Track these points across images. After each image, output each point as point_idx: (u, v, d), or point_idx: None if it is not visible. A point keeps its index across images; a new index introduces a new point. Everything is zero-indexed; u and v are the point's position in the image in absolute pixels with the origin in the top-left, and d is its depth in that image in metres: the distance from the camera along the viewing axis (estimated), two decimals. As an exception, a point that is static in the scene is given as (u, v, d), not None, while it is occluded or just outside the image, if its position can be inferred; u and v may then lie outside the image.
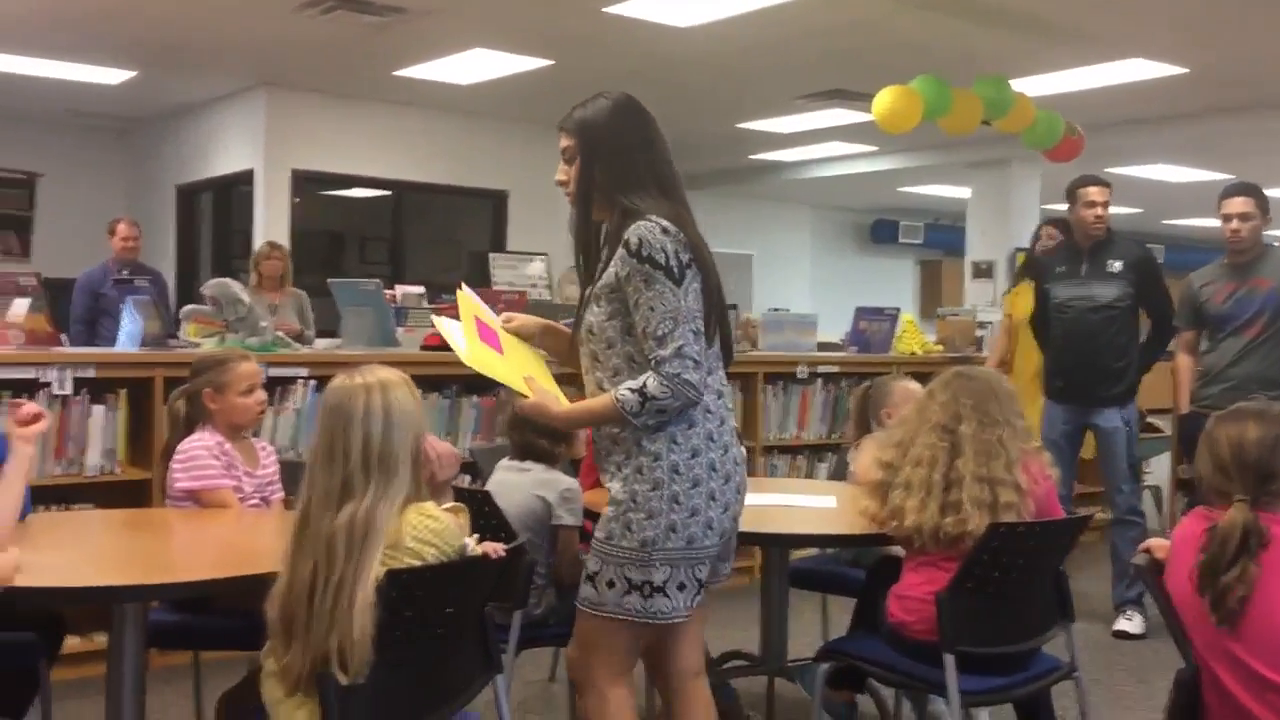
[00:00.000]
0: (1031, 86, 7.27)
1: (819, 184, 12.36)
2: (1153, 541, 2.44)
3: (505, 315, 2.65)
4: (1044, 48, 7.02)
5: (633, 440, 2.35)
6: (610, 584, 2.36)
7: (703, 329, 2.34)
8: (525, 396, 2.44)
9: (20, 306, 4.34)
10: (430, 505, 2.15)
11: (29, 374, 3.85)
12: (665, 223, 2.33)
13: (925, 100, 6.26)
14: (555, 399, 2.46)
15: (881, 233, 15.51)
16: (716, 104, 9.00)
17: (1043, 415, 4.94)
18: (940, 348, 6.45)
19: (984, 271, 10.19)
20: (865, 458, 3.56)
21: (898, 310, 6.24)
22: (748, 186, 12.99)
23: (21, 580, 2.14)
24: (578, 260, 2.52)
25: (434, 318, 2.52)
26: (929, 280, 15.71)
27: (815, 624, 4.64)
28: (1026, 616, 2.77)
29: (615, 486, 2.38)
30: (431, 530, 2.10)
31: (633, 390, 2.30)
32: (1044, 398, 5.01)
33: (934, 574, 2.69)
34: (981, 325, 6.89)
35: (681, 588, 2.37)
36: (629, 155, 2.42)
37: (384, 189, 9.60)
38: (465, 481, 4.08)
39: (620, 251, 2.33)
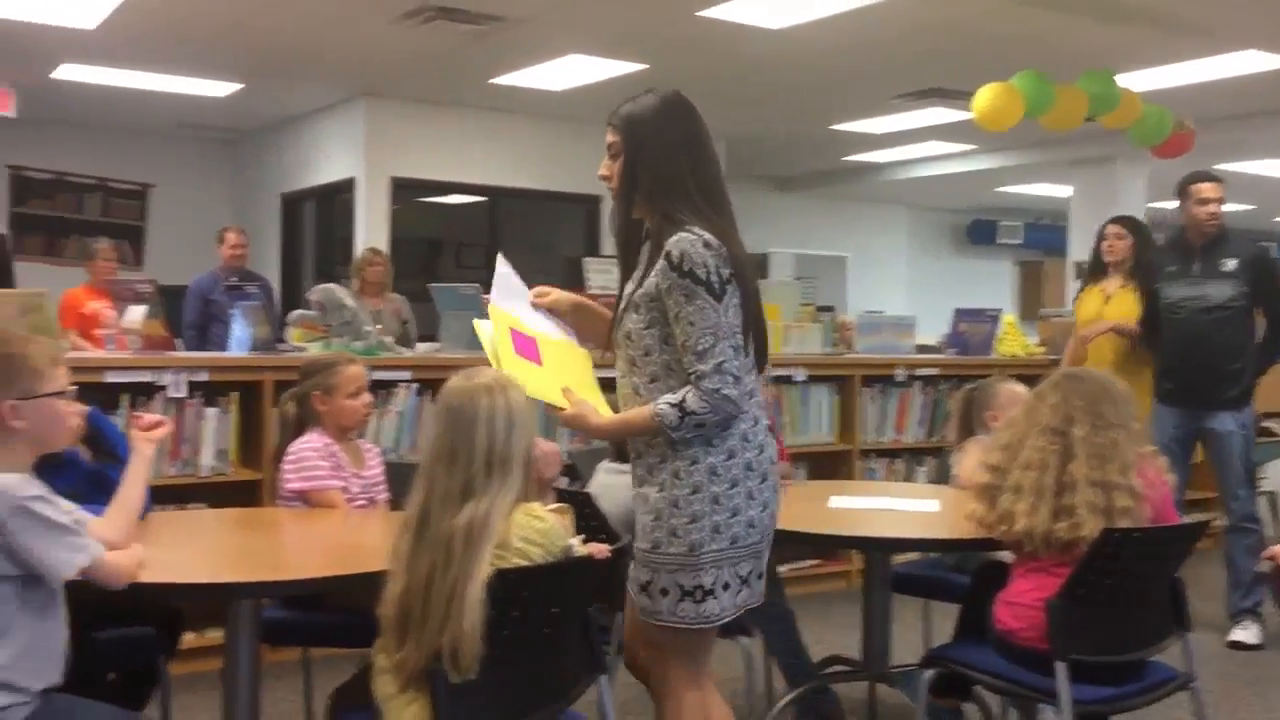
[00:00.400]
0: (1138, 81, 7.08)
1: (915, 184, 12.20)
2: (1277, 549, 2.36)
3: (538, 290, 2.63)
4: (1152, 41, 6.83)
5: (667, 444, 2.36)
6: (664, 591, 2.36)
7: (741, 343, 2.34)
8: (561, 409, 2.43)
9: (137, 312, 4.50)
10: (537, 506, 2.17)
11: (146, 377, 3.99)
12: (707, 236, 2.32)
13: (1027, 97, 6.14)
14: (594, 409, 2.44)
15: (979, 233, 15.23)
16: (811, 106, 8.94)
17: (1151, 419, 4.80)
18: (1043, 350, 6.31)
19: (1087, 272, 9.94)
20: (969, 461, 3.51)
21: (999, 311, 6.12)
22: (842, 188, 12.88)
23: (144, 576, 2.22)
24: (619, 256, 2.53)
25: (476, 322, 2.57)
26: (1028, 281, 15.38)
27: (916, 629, 4.58)
28: (1140, 625, 2.70)
29: (652, 493, 2.37)
30: (538, 531, 2.12)
31: (672, 405, 2.31)
32: (1154, 401, 4.87)
33: (1044, 580, 2.63)
34: (1086, 326, 6.71)
35: (726, 587, 2.38)
36: (673, 155, 2.40)
37: (480, 195, 9.73)
38: (564, 483, 4.11)
39: (661, 264, 2.33)
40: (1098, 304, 5.32)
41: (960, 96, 8.02)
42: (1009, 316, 6.19)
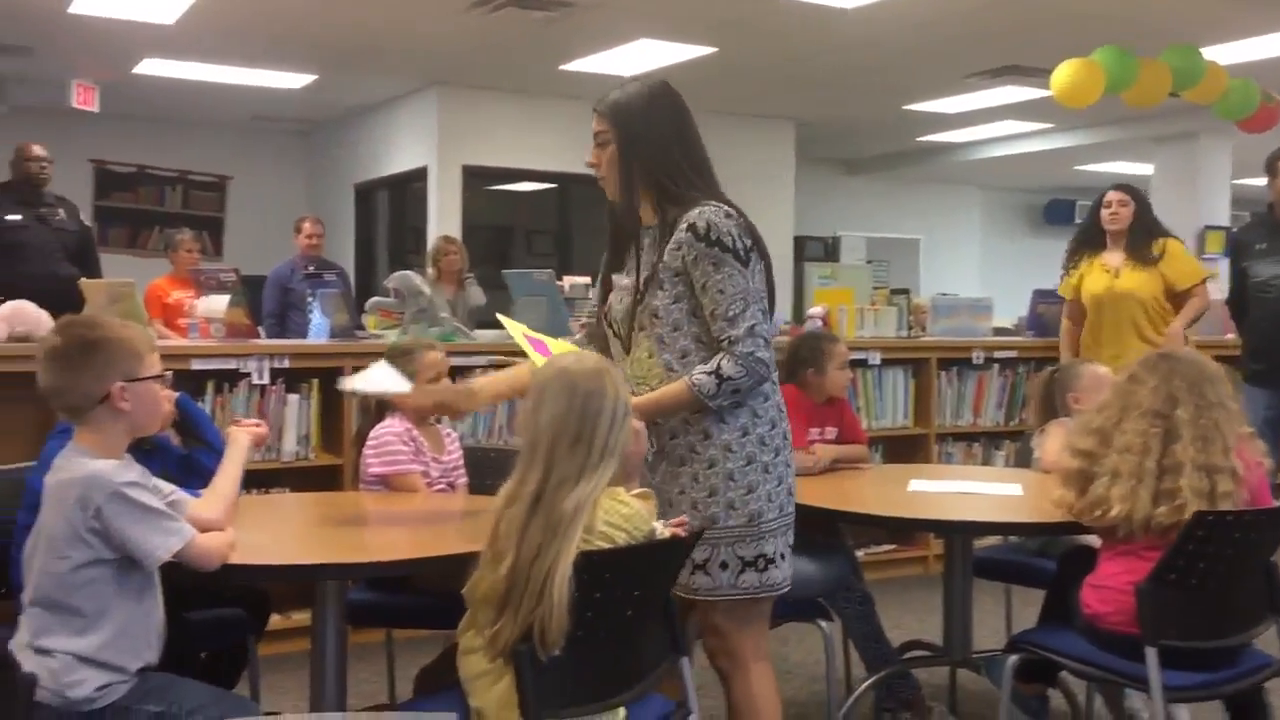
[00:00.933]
0: (1224, 54, 6.88)
1: (989, 164, 12.00)
2: None
3: (466, 388, 2.75)
4: (1237, 12, 6.63)
5: (712, 420, 2.41)
6: (724, 565, 2.43)
7: (768, 308, 2.42)
8: None
9: (220, 301, 4.60)
10: (620, 491, 2.18)
11: (230, 365, 4.07)
12: (727, 207, 2.43)
13: (1108, 72, 6.00)
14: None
15: (1056, 213, 14.93)
16: (882, 86, 8.83)
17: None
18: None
19: (1169, 251, 9.70)
20: (1052, 444, 3.44)
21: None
22: (914, 170, 12.71)
23: (234, 558, 2.27)
24: (612, 245, 2.60)
25: (500, 316, 2.67)
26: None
27: (995, 615, 4.52)
28: (1233, 609, 2.63)
29: (702, 470, 2.43)
30: (622, 515, 2.13)
31: (707, 373, 2.37)
32: (1243, 382, 4.74)
33: (1134, 564, 2.58)
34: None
35: (783, 556, 2.48)
36: (666, 138, 2.47)
37: (550, 182, 9.77)
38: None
39: (685, 236, 2.39)
40: (1104, 279, 5.00)
41: (1037, 74, 7.87)
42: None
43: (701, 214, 2.40)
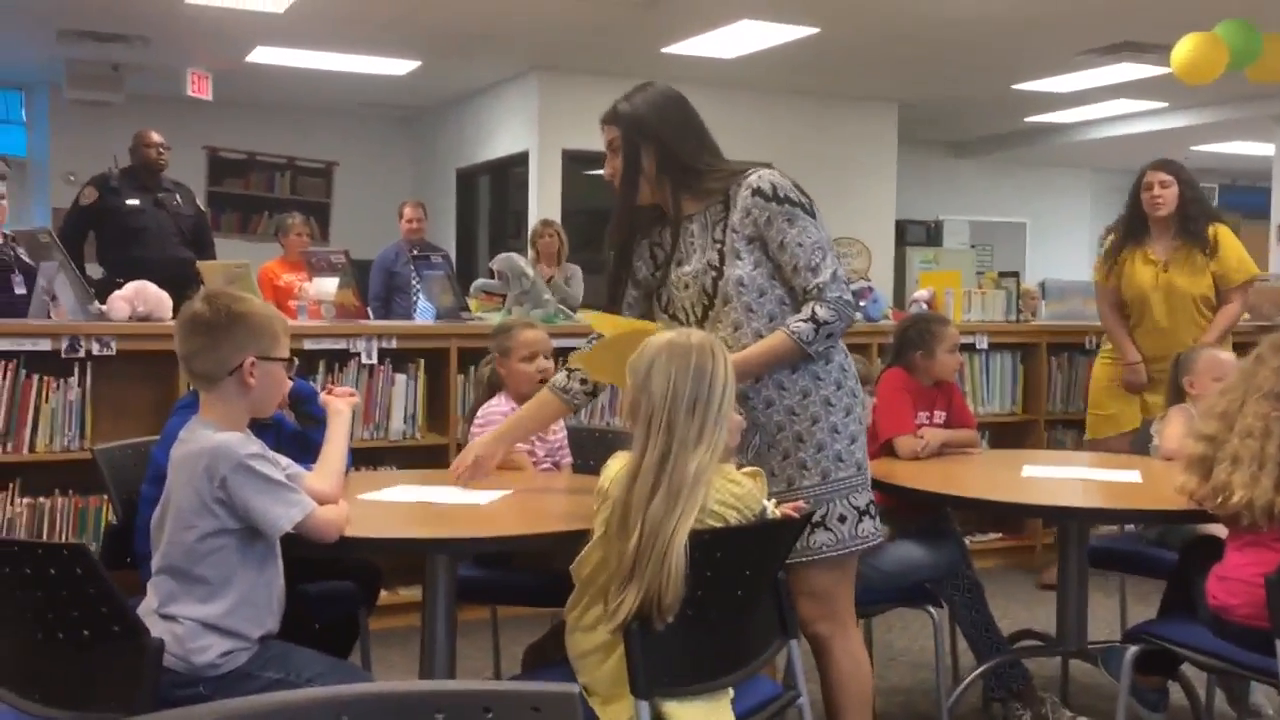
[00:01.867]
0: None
1: (1100, 145, 11.65)
2: None
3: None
4: (1371, -18, 6.31)
5: (809, 378, 2.50)
6: (841, 519, 2.51)
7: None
8: None
9: (330, 284, 4.69)
10: (731, 469, 2.16)
11: (340, 345, 4.15)
12: (776, 170, 2.52)
13: (1231, 47, 5.77)
14: None
15: (1170, 196, 14.44)
16: (989, 65, 8.62)
17: None
18: (1246, 316, 5.93)
19: (1292, 234, 9.33)
20: (1172, 430, 3.34)
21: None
22: (1021, 151, 12.41)
23: (350, 532, 2.31)
24: (613, 247, 2.73)
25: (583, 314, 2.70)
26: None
27: (1103, 605, 4.40)
28: (1370, 605, 2.51)
29: (806, 427, 2.50)
30: (734, 495, 2.13)
31: (803, 321, 2.45)
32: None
33: (1263, 555, 2.47)
34: (1292, 292, 6.29)
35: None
36: (682, 132, 2.56)
37: (649, 166, 9.76)
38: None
39: (752, 200, 2.47)
40: (1149, 272, 4.60)
41: (1153, 50, 7.60)
42: (1208, 281, 5.84)
43: (760, 176, 2.49)
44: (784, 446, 2.51)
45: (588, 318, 2.74)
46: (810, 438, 2.49)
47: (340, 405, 2.56)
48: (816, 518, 2.46)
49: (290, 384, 2.58)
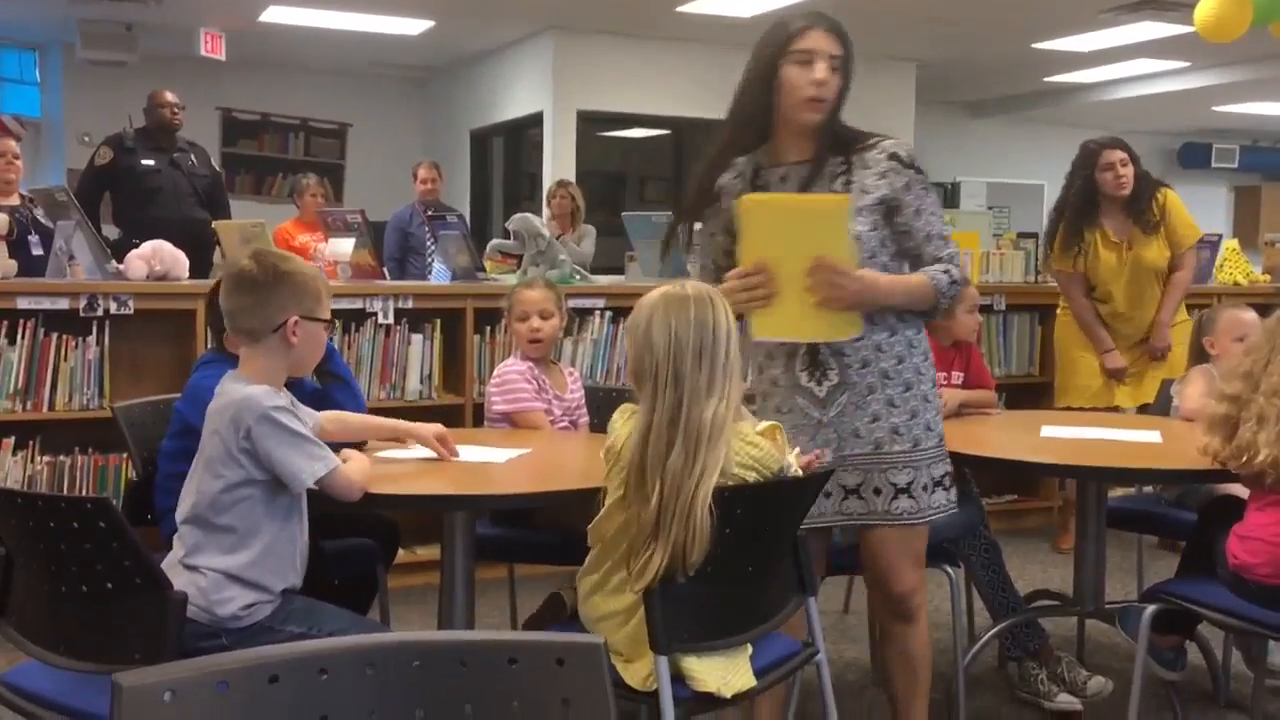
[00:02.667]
0: (1383, -18, 6.43)
1: (1121, 106, 11.51)
2: None
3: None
4: (1401, -63, 6.19)
5: (904, 345, 2.48)
6: (925, 487, 2.50)
7: None
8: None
9: (345, 244, 4.68)
10: (747, 428, 2.15)
11: (357, 304, 4.15)
12: None
13: (1256, 4, 5.66)
14: (858, 273, 2.37)
15: (1191, 157, 14.30)
16: (1011, 23, 8.52)
17: None
18: (1267, 278, 5.89)
19: (1314, 195, 9.22)
20: (1192, 390, 3.32)
21: (1219, 237, 5.74)
22: (1040, 111, 12.28)
23: (370, 488, 2.32)
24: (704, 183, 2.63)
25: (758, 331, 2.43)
26: (1245, 207, 14.39)
27: (1120, 567, 4.40)
28: (1392, 564, 2.50)
29: (898, 393, 2.47)
30: (754, 458, 2.12)
31: (942, 273, 2.45)
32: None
33: (1284, 514, 2.47)
34: (1314, 253, 6.25)
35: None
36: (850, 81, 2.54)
37: (665, 127, 9.70)
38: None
39: (891, 164, 2.45)
40: (1115, 251, 4.52)
41: (1176, 8, 7.50)
42: (1231, 242, 5.80)
43: (896, 143, 2.50)
44: (874, 409, 2.47)
45: (746, 201, 2.42)
46: (904, 404, 2.47)
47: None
48: (903, 483, 2.47)
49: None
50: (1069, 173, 4.64)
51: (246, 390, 2.15)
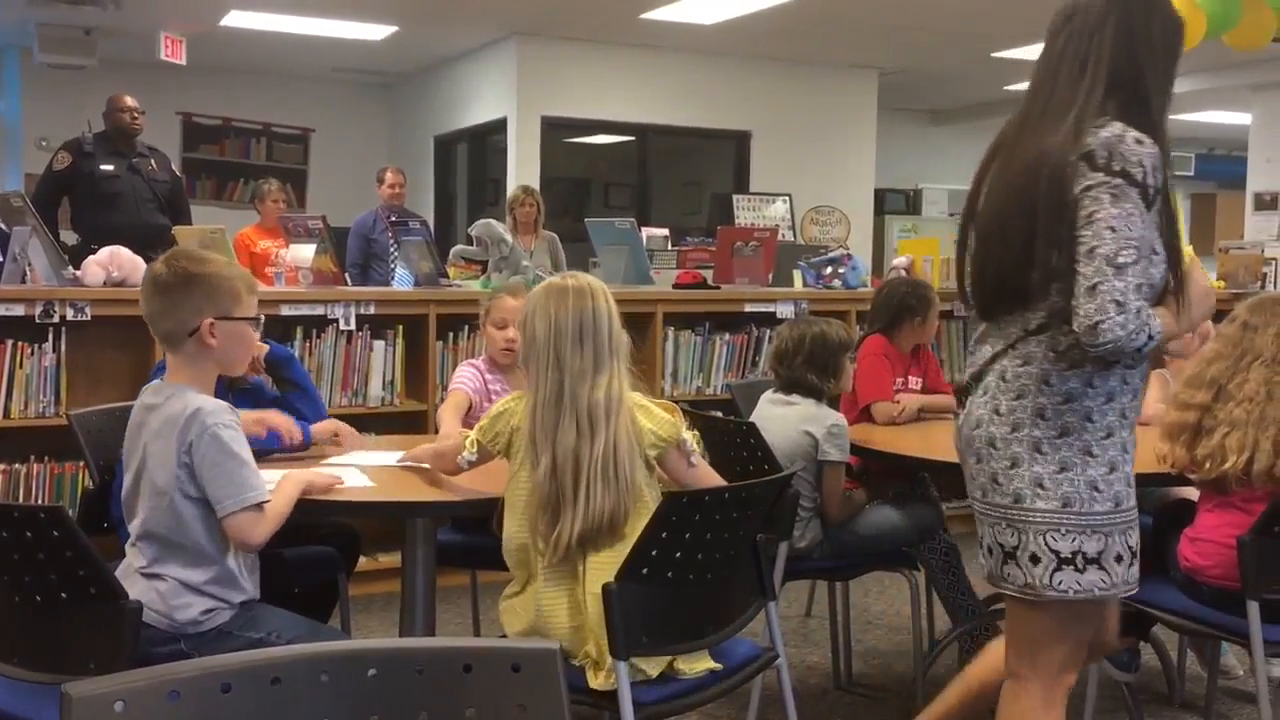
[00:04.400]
0: (1333, -6, 6.55)
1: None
2: None
3: None
4: (1349, -50, 6.32)
5: (1027, 377, 2.07)
6: (1034, 559, 2.05)
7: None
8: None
9: (306, 250, 4.65)
10: (640, 397, 2.26)
11: (319, 310, 4.13)
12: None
13: (1210, 14, 5.76)
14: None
15: (1147, 165, 14.49)
16: (971, 32, 8.60)
17: None
18: (1222, 284, 5.98)
19: (1268, 203, 9.39)
20: (1150, 396, 3.35)
21: (1174, 244, 5.81)
22: (998, 120, 12.13)
23: (332, 495, 2.31)
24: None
25: None
26: (1201, 215, 14.59)
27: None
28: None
29: (1000, 433, 2.06)
30: (656, 435, 2.24)
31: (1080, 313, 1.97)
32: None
33: (1234, 516, 2.51)
34: (1268, 261, 6.35)
35: (1118, 558, 2.14)
36: None
37: (629, 134, 9.72)
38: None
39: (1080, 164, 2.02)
40: None
41: (1132, 18, 7.60)
42: (1187, 249, 5.87)
43: (1103, 140, 2.01)
44: (976, 448, 2.09)
45: None
46: (1004, 446, 2.05)
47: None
48: (1008, 546, 2.05)
49: (263, 344, 2.56)
50: None
51: (197, 402, 2.13)
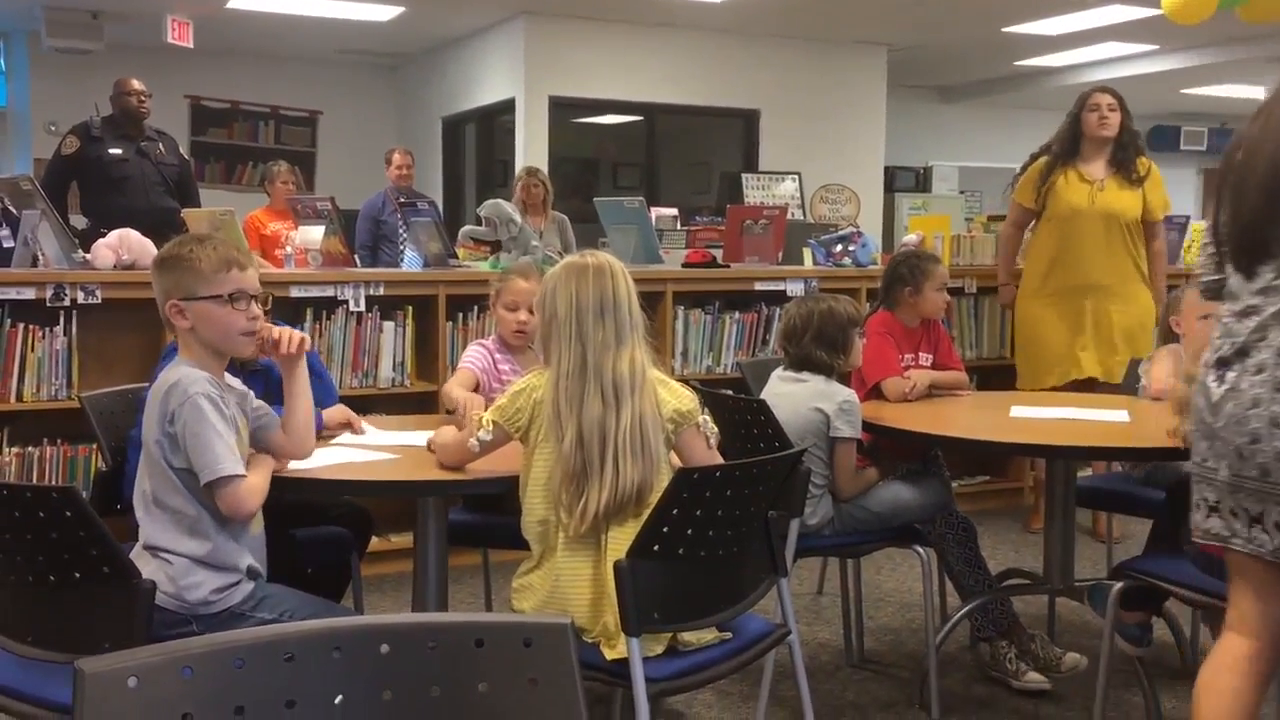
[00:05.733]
0: (1348, -35, 6.48)
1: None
2: None
3: None
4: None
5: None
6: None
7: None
8: None
9: (316, 232, 4.65)
10: (661, 374, 2.29)
11: (328, 292, 4.13)
12: None
13: (1222, -14, 5.71)
14: None
15: (1160, 140, 14.38)
16: (981, 6, 8.54)
17: None
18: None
19: (1281, 177, 9.31)
20: (1159, 370, 3.34)
21: (1187, 219, 5.78)
22: (1010, 96, 12.33)
23: (342, 475, 2.31)
24: None
25: None
26: (1213, 189, 14.50)
27: (1089, 545, 4.45)
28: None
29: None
30: (677, 411, 2.25)
31: None
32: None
33: (1248, 490, 2.49)
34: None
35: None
36: None
37: (637, 113, 9.68)
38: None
39: None
40: (1084, 190, 4.58)
41: (1144, -9, 7.55)
42: (1199, 224, 5.84)
43: None
44: (1253, 428, 2.04)
45: None
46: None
47: (285, 364, 2.36)
48: (1255, 512, 2.04)
49: (270, 326, 2.51)
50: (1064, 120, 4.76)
51: (180, 372, 2.15)
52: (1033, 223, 4.82)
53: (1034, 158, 4.82)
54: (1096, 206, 4.58)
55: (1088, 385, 4.54)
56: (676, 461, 2.31)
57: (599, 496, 2.12)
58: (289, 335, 2.32)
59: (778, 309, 4.75)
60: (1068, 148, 4.65)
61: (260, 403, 2.34)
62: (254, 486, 2.15)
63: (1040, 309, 4.74)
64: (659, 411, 2.21)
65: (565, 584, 2.19)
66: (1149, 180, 4.64)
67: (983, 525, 4.45)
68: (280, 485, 2.26)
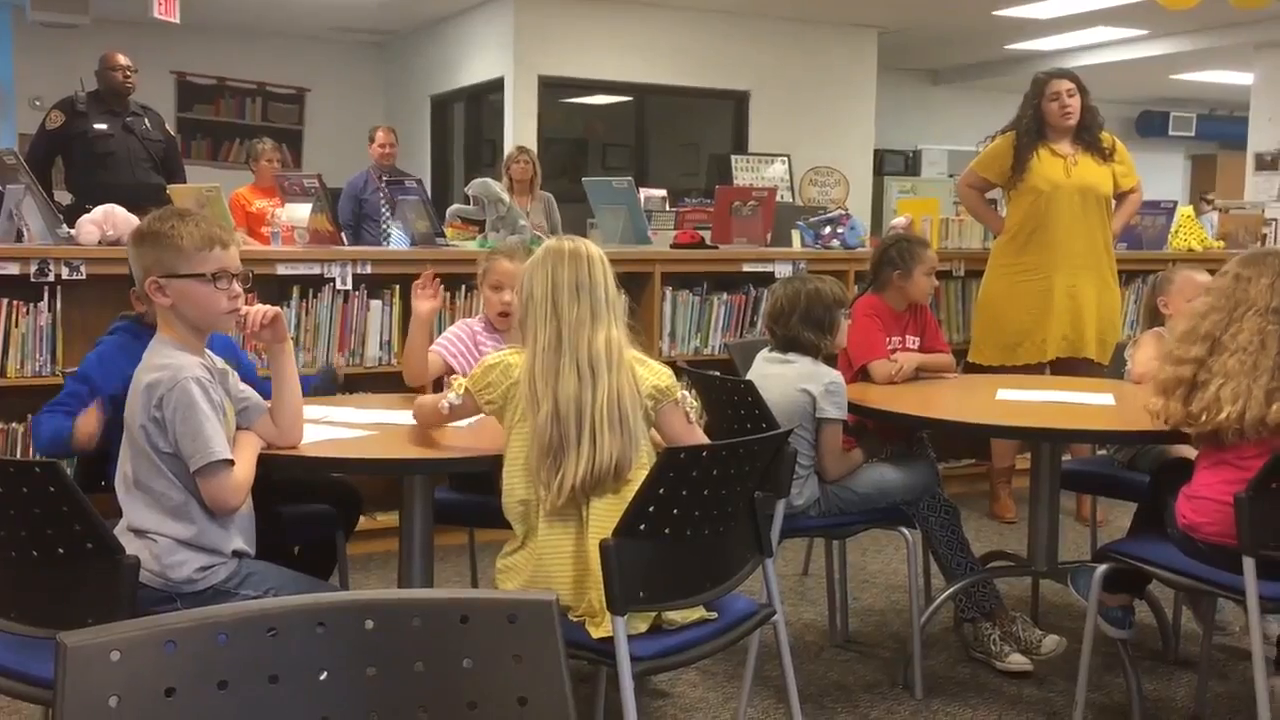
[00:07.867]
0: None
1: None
2: None
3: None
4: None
5: None
6: None
7: None
8: None
9: (302, 209, 4.63)
10: (648, 360, 2.32)
11: (315, 270, 4.11)
12: None
13: (1213, -29, 5.71)
14: None
15: (1149, 125, 14.42)
16: (971, -10, 8.54)
17: None
18: (1221, 244, 5.96)
19: (1269, 164, 9.35)
20: (1143, 354, 3.35)
21: (1174, 204, 5.79)
22: (1000, 79, 12.31)
23: (328, 452, 2.30)
24: None
25: None
26: (1201, 174, 14.56)
27: (1073, 528, 4.47)
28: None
29: None
30: (655, 388, 2.28)
31: None
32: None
33: (1230, 473, 2.51)
34: (1268, 221, 6.34)
35: None
36: None
37: (626, 94, 9.65)
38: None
39: None
40: (1059, 165, 4.55)
41: (1135, -25, 7.54)
42: (1186, 209, 5.86)
43: None
44: None
45: None
46: None
47: (270, 347, 2.34)
48: None
49: (235, 296, 2.43)
50: (1021, 104, 4.68)
51: (167, 357, 2.14)
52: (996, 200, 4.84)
53: (991, 139, 4.81)
54: (1073, 180, 4.57)
55: (1082, 367, 4.54)
56: (659, 439, 2.32)
57: (576, 469, 2.15)
58: (257, 311, 2.30)
59: (766, 290, 4.74)
60: (1032, 130, 4.60)
61: (245, 386, 2.33)
62: (240, 483, 2.14)
63: (1008, 285, 4.71)
64: (637, 388, 2.23)
65: (548, 562, 2.20)
66: (1117, 152, 4.66)
67: (968, 507, 4.47)
68: (266, 463, 2.26)
